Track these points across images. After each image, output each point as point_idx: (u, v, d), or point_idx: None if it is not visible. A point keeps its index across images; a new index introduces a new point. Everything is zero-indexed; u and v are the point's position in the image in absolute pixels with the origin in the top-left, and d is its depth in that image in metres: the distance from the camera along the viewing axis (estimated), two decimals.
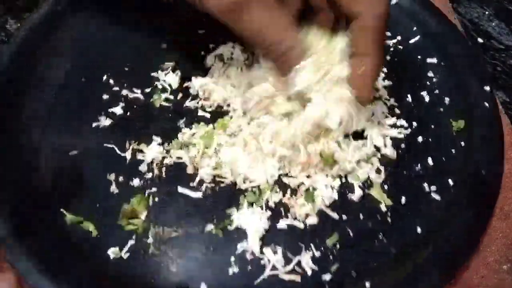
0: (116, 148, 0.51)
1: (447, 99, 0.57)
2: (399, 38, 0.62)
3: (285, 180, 0.50)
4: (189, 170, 0.50)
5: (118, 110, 0.54)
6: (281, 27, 0.43)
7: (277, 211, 0.48)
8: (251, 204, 0.48)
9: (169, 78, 0.56)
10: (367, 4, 0.43)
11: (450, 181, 0.51)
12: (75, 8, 0.58)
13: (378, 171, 0.51)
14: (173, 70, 0.57)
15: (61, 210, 0.46)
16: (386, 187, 0.50)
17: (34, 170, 0.48)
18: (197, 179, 0.49)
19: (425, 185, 0.51)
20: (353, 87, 0.47)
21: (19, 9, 0.63)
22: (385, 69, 0.59)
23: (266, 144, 0.48)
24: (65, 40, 0.57)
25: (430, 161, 0.52)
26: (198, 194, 0.49)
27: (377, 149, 0.52)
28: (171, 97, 0.55)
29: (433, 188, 0.50)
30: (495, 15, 0.67)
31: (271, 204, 0.48)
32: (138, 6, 0.60)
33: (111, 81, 0.56)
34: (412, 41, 0.61)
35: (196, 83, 0.55)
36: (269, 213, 0.47)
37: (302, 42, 0.45)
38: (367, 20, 0.44)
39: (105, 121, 0.53)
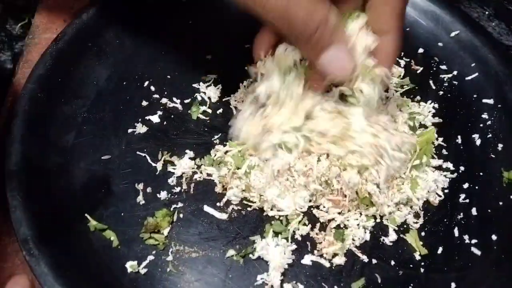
0: (148, 158, 0.50)
1: (500, 146, 0.53)
2: (455, 73, 0.59)
3: (315, 212, 0.47)
4: (218, 189, 0.49)
5: (155, 118, 0.53)
6: (309, 5, 0.38)
7: (303, 245, 0.46)
8: (276, 234, 0.46)
9: (209, 90, 0.55)
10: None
11: (494, 237, 0.47)
12: (122, 14, 0.58)
13: (416, 215, 0.48)
14: (215, 83, 0.56)
15: (86, 215, 0.46)
16: (423, 234, 0.47)
17: (65, 172, 0.48)
18: (225, 199, 0.48)
19: (466, 237, 0.47)
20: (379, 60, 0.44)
21: (19, 9, 0.63)
22: (436, 105, 0.56)
23: (299, 175, 0.46)
24: (109, 44, 0.57)
25: (474, 211, 0.49)
26: (223, 216, 0.47)
27: None
28: (209, 110, 0.54)
29: (474, 241, 0.47)
30: (495, 15, 0.66)
31: (298, 236, 0.46)
32: (186, 16, 0.60)
33: (152, 88, 0.55)
34: (469, 78, 0.58)
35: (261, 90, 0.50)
36: (294, 246, 0.45)
37: (335, 15, 0.40)
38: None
39: (141, 128, 0.52)
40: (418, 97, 0.56)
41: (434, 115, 0.55)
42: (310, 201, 0.47)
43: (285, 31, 0.41)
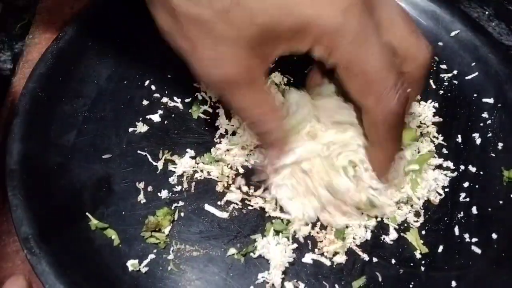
0: (149, 157, 0.50)
1: (500, 145, 0.53)
2: (455, 72, 0.59)
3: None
4: (219, 188, 0.49)
5: (156, 117, 0.53)
6: (266, 109, 0.42)
7: (304, 244, 0.46)
8: (277, 233, 0.46)
9: (210, 90, 0.55)
10: (375, 100, 0.39)
11: (494, 235, 0.47)
12: (123, 13, 0.58)
13: (417, 214, 0.48)
14: None
15: (87, 214, 0.46)
16: (423, 232, 0.47)
17: (65, 171, 0.48)
18: (225, 198, 0.48)
19: (466, 235, 0.47)
20: (372, 168, 0.45)
21: (19, 9, 0.63)
22: (436, 104, 0.56)
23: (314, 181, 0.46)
24: (110, 44, 0.56)
25: (474, 210, 0.49)
26: (224, 215, 0.47)
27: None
28: (210, 109, 0.54)
29: (475, 240, 0.47)
30: (495, 15, 0.66)
31: (298, 235, 0.46)
32: None
33: (153, 87, 0.55)
34: (469, 77, 0.58)
35: None
36: (295, 245, 0.45)
37: (285, 127, 0.44)
38: (376, 115, 0.40)
39: (142, 127, 0.52)
40: (418, 96, 0.56)
41: (434, 114, 0.55)
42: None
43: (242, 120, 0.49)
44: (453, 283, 0.44)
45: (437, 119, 0.55)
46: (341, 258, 0.45)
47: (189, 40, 0.39)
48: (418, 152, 0.51)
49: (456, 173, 0.51)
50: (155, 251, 0.45)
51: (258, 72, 0.40)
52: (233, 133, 0.52)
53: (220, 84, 0.40)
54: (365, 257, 0.45)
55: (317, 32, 0.37)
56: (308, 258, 0.45)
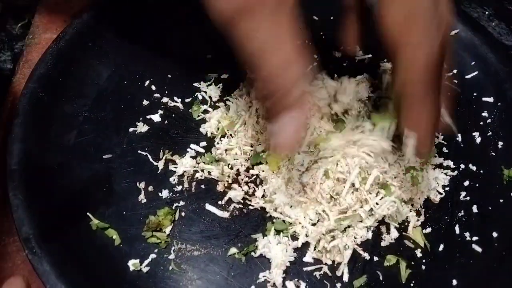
0: (149, 157, 0.50)
1: (500, 143, 0.53)
2: (455, 71, 0.59)
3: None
4: (219, 187, 0.49)
5: (156, 117, 0.53)
6: (289, 52, 0.34)
7: (305, 243, 0.46)
8: (278, 232, 0.46)
9: (210, 90, 0.55)
10: (420, 36, 0.36)
11: (495, 234, 0.47)
12: (123, 13, 0.58)
13: (417, 213, 0.48)
14: (216, 83, 0.56)
15: (88, 214, 0.46)
16: (424, 231, 0.47)
17: (66, 171, 0.48)
18: (226, 198, 0.48)
19: (467, 234, 0.47)
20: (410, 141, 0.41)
21: (19, 9, 0.63)
22: None
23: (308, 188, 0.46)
24: (110, 44, 0.56)
25: (475, 208, 0.49)
26: (225, 214, 0.47)
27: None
28: (210, 109, 0.54)
29: (475, 238, 0.47)
30: (495, 15, 0.66)
31: (300, 234, 0.46)
32: (187, 15, 0.59)
33: (153, 87, 0.55)
34: (468, 76, 0.58)
35: None
36: (296, 244, 0.45)
37: (305, 82, 0.35)
38: (418, 55, 0.36)
39: (142, 127, 0.52)
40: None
41: None
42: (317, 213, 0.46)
43: (254, 71, 0.36)
44: (454, 282, 0.44)
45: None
46: (342, 257, 0.45)
47: None
48: None
49: (456, 172, 0.51)
50: (156, 250, 0.45)
51: None
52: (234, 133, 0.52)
53: (239, 8, 0.32)
54: (366, 256, 0.45)
55: None
56: (309, 257, 0.45)
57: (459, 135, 0.54)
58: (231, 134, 0.52)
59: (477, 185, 0.50)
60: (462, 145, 0.53)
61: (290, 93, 0.34)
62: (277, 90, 0.35)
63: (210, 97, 0.55)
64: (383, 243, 0.46)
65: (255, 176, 0.49)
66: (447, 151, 0.53)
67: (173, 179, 0.49)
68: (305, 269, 0.45)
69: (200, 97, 0.55)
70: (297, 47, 0.34)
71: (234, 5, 0.32)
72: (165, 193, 0.48)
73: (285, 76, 0.34)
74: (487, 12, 0.65)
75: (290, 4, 0.33)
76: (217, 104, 0.54)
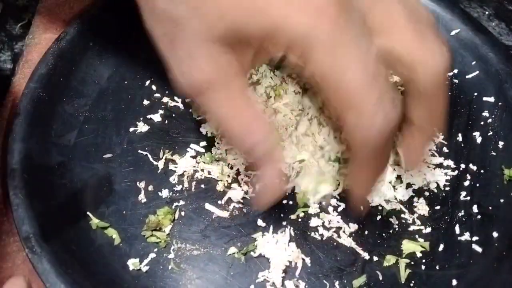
0: (149, 156, 0.51)
1: (501, 143, 0.53)
2: (455, 71, 0.59)
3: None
4: (219, 187, 0.49)
5: (156, 117, 0.53)
6: (248, 117, 0.37)
7: (304, 242, 0.46)
8: (277, 231, 0.46)
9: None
10: (355, 117, 0.35)
11: (495, 234, 0.47)
12: (124, 14, 0.58)
13: (418, 214, 0.48)
14: None
15: (88, 213, 0.46)
16: (424, 231, 0.47)
17: (66, 170, 0.48)
18: (226, 197, 0.48)
19: (467, 234, 0.47)
20: (403, 154, 0.43)
21: (19, 9, 0.63)
22: None
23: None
24: (111, 44, 0.57)
25: (475, 208, 0.49)
26: (225, 214, 0.47)
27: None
28: None
29: (475, 238, 0.47)
30: (495, 15, 0.66)
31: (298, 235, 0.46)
32: None
33: (153, 87, 0.55)
34: (469, 76, 0.58)
35: None
36: (295, 243, 0.45)
37: (273, 136, 0.38)
38: (354, 134, 0.36)
39: (142, 127, 0.53)
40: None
41: None
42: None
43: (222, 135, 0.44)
44: (454, 282, 0.44)
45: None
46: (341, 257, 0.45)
47: (167, 38, 0.37)
48: None
49: (456, 171, 0.51)
50: (155, 250, 0.45)
51: (234, 72, 0.36)
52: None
53: (196, 87, 0.36)
54: (366, 255, 0.45)
55: (286, 38, 0.33)
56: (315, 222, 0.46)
57: (460, 134, 0.54)
58: None
59: (477, 185, 0.50)
60: (462, 145, 0.53)
61: (257, 150, 0.37)
62: (245, 151, 0.38)
63: None
64: (382, 243, 0.46)
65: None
66: (447, 151, 0.52)
67: (173, 179, 0.49)
68: (304, 268, 0.45)
69: None
70: (255, 113, 0.37)
71: (197, 77, 0.36)
72: (165, 193, 0.48)
73: (249, 137, 0.37)
74: (487, 12, 0.64)
75: (243, 79, 0.37)
76: None
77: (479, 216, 0.48)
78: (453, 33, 0.59)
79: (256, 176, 0.40)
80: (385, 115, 0.34)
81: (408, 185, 0.50)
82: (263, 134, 0.37)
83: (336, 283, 0.44)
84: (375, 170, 0.39)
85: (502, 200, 0.49)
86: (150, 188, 0.49)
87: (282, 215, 0.47)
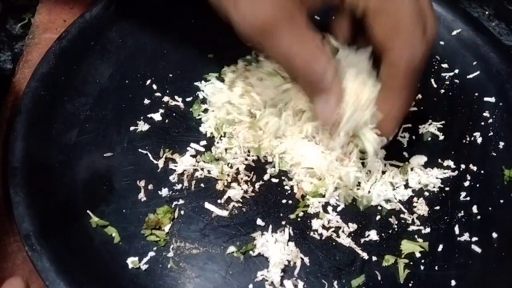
0: (150, 155, 0.51)
1: (501, 144, 0.52)
2: (456, 71, 0.58)
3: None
4: (219, 186, 0.49)
5: (157, 116, 0.53)
6: (313, 52, 0.41)
7: (303, 242, 0.46)
8: (276, 231, 0.46)
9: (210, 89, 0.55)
10: (403, 44, 0.41)
11: (494, 234, 0.47)
12: (125, 13, 0.58)
13: (418, 214, 0.48)
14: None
15: (88, 211, 0.46)
16: (423, 231, 0.47)
17: (67, 169, 0.48)
18: (225, 196, 0.48)
19: (466, 234, 0.47)
20: (377, 122, 0.45)
21: (19, 9, 0.63)
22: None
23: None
24: (112, 43, 0.57)
25: (474, 209, 0.49)
26: (224, 213, 0.47)
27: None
28: (210, 108, 0.54)
29: (475, 239, 0.47)
30: (495, 15, 0.66)
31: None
32: (188, 15, 0.60)
33: (154, 87, 0.56)
34: (470, 76, 0.58)
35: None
36: (294, 243, 0.45)
37: (334, 66, 0.42)
38: (401, 59, 0.41)
39: (143, 126, 0.53)
40: (419, 96, 0.56)
41: (434, 113, 0.55)
42: None
43: (288, 72, 0.45)
44: (453, 282, 0.44)
45: (438, 118, 0.55)
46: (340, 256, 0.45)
47: None
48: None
49: (456, 172, 0.51)
50: (155, 248, 0.45)
51: (297, 10, 0.39)
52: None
53: (261, 30, 0.39)
54: (365, 255, 0.45)
55: None
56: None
57: (460, 134, 0.53)
58: (231, 133, 0.52)
59: (477, 185, 0.50)
60: (463, 145, 0.53)
61: (322, 81, 0.41)
62: (312, 81, 0.42)
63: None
64: (381, 243, 0.46)
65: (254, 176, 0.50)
66: (448, 151, 0.52)
67: (173, 178, 0.49)
68: (303, 268, 0.45)
69: (201, 97, 0.55)
70: (317, 45, 0.41)
71: (262, 21, 0.38)
72: (164, 192, 0.48)
73: (315, 68, 0.41)
74: (487, 12, 0.64)
75: (304, 14, 0.40)
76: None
77: (479, 217, 0.48)
78: (454, 33, 0.59)
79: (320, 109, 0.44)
80: (426, 47, 0.41)
81: (408, 185, 0.50)
82: (328, 62, 0.41)
83: (335, 282, 0.44)
84: (409, 96, 0.44)
85: (502, 201, 0.49)
86: (150, 187, 0.49)
87: (281, 215, 0.48)
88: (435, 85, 0.57)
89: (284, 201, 0.48)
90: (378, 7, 0.40)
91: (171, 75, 0.57)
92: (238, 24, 0.39)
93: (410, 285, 0.44)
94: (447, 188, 0.50)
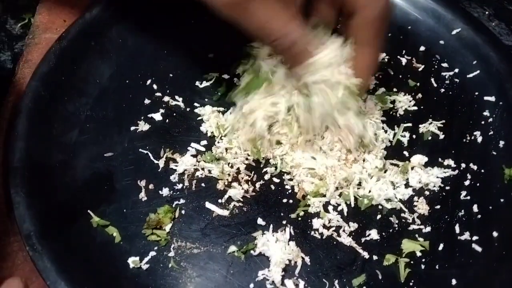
0: (150, 155, 0.51)
1: (501, 143, 0.52)
2: (456, 70, 0.58)
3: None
4: (219, 186, 0.49)
5: (157, 116, 0.54)
6: (285, 20, 0.42)
7: (304, 241, 0.46)
8: (277, 230, 0.46)
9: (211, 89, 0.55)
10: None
11: (495, 233, 0.47)
12: (125, 13, 0.58)
13: (418, 213, 0.48)
14: (217, 82, 0.56)
15: (88, 211, 0.46)
16: (424, 230, 0.47)
17: (68, 169, 0.48)
18: (226, 196, 0.48)
19: (467, 233, 0.47)
20: (355, 75, 0.46)
21: (19, 9, 0.63)
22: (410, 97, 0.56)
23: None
24: (112, 43, 0.57)
25: (475, 208, 0.49)
26: (225, 212, 0.48)
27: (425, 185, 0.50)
28: (210, 108, 0.54)
29: (475, 238, 0.47)
30: (495, 15, 0.66)
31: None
32: (188, 15, 0.60)
33: (155, 86, 0.56)
34: (470, 75, 0.58)
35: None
36: (295, 242, 0.45)
37: (308, 34, 0.44)
38: (369, 13, 0.44)
39: (143, 126, 0.53)
40: (420, 95, 0.56)
41: (434, 113, 0.55)
42: None
43: (263, 41, 0.45)
44: (453, 281, 0.44)
45: (438, 117, 0.55)
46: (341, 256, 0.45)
47: None
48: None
49: (457, 171, 0.51)
50: (156, 248, 0.45)
51: None
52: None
53: (233, 5, 0.40)
54: (365, 255, 0.45)
55: None
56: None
57: (460, 134, 0.54)
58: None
59: (477, 184, 0.50)
60: (463, 144, 0.53)
61: (300, 46, 0.43)
62: (288, 47, 0.43)
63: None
64: (382, 242, 0.46)
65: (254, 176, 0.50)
66: (448, 150, 0.52)
67: (173, 177, 0.49)
68: (304, 267, 0.45)
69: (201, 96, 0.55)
70: (292, 13, 0.43)
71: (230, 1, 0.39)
72: (165, 191, 0.48)
73: (287, 37, 0.42)
74: (487, 12, 0.64)
75: None
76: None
77: (479, 216, 0.48)
78: (454, 32, 0.59)
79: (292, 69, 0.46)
80: (376, 8, 0.44)
81: (408, 184, 0.50)
82: (299, 32, 0.42)
83: (336, 282, 0.44)
84: (379, 45, 0.47)
85: (502, 200, 0.49)
86: (151, 186, 0.49)
87: (282, 214, 0.48)
88: (435, 85, 0.58)
89: (284, 200, 0.48)
90: None
91: (171, 75, 0.57)
92: (210, 0, 0.40)
93: (411, 284, 0.44)
94: (447, 187, 0.50)
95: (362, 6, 0.44)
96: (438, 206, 0.49)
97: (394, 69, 0.58)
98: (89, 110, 0.53)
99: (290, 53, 0.44)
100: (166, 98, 0.55)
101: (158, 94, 0.55)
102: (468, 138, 0.53)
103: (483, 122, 0.54)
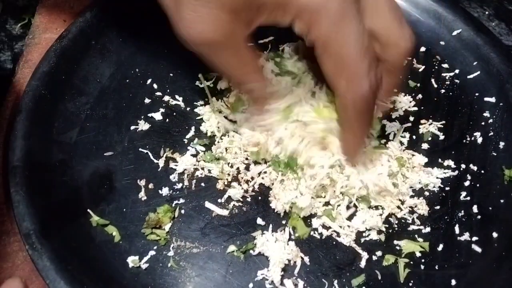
0: (150, 154, 0.51)
1: (501, 144, 0.53)
2: (457, 71, 0.59)
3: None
4: (219, 185, 0.49)
5: (157, 115, 0.54)
6: (247, 71, 0.44)
7: (303, 241, 0.46)
8: (276, 230, 0.46)
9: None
10: (347, 83, 0.41)
11: (495, 234, 0.47)
12: (125, 12, 0.58)
13: (418, 214, 0.48)
14: (217, 81, 0.56)
15: (88, 210, 0.46)
16: (424, 231, 0.47)
17: (67, 168, 0.48)
18: (226, 196, 0.48)
19: (467, 234, 0.47)
20: (343, 151, 0.46)
21: (19, 9, 0.63)
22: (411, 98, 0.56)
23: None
24: (112, 42, 0.57)
25: (475, 208, 0.49)
26: (224, 212, 0.48)
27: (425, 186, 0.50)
28: (210, 108, 0.54)
29: (475, 238, 0.47)
30: (495, 15, 0.66)
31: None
32: None
33: (155, 86, 0.56)
34: (470, 76, 0.58)
35: None
36: (295, 242, 0.45)
37: (267, 86, 0.46)
38: (346, 98, 0.42)
39: (143, 125, 0.53)
40: (420, 96, 0.56)
41: (435, 113, 0.55)
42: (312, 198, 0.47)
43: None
44: (453, 282, 0.44)
45: (438, 117, 0.55)
46: (340, 255, 0.45)
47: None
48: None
49: (457, 171, 0.51)
50: (155, 247, 0.45)
51: (240, 36, 0.41)
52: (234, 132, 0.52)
53: (200, 45, 0.41)
54: (365, 255, 0.45)
55: (299, 7, 0.39)
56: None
57: (461, 134, 0.54)
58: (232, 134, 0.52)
59: (477, 185, 0.50)
60: (463, 145, 0.53)
61: (253, 93, 0.45)
62: (244, 91, 0.47)
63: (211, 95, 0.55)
64: (381, 242, 0.46)
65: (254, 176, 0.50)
66: (448, 150, 0.52)
67: (173, 177, 0.49)
68: (303, 267, 0.45)
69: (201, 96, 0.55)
70: (256, 65, 0.45)
71: (202, 39, 0.40)
72: (165, 191, 0.48)
73: (247, 84, 0.44)
74: (487, 12, 0.64)
75: (244, 34, 0.41)
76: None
77: (479, 216, 0.48)
78: (454, 33, 0.59)
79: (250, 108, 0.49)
80: (371, 83, 0.41)
81: (408, 185, 0.50)
82: (258, 84, 0.45)
83: (335, 282, 0.44)
84: (361, 129, 0.45)
85: (502, 201, 0.49)
86: (151, 186, 0.49)
87: (281, 214, 0.47)
88: (435, 85, 0.58)
89: None
90: (325, 43, 0.40)
91: (171, 75, 0.57)
92: (181, 32, 0.40)
93: (410, 284, 0.44)
94: (447, 188, 0.50)
95: (337, 90, 0.43)
96: (438, 207, 0.49)
97: None
98: (89, 109, 0.53)
99: (250, 96, 0.46)
100: (166, 98, 0.55)
101: (158, 93, 0.55)
102: (468, 139, 0.53)
103: (483, 123, 0.54)
